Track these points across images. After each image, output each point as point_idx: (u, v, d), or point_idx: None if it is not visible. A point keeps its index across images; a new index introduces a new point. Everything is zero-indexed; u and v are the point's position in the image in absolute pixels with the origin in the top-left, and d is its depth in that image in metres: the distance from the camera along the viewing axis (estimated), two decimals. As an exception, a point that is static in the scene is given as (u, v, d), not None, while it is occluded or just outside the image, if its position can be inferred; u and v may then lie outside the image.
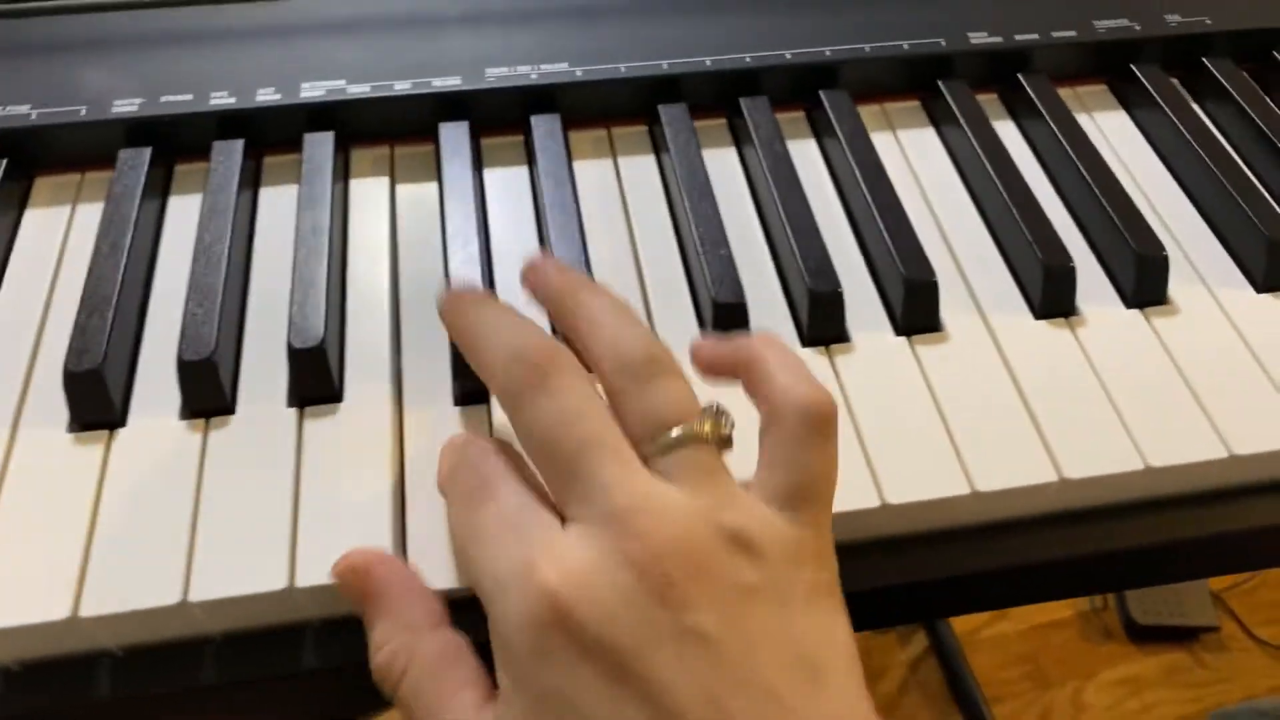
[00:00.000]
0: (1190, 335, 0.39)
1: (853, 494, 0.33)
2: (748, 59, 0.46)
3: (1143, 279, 0.40)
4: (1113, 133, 0.48)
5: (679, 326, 0.39)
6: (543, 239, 0.41)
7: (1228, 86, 0.48)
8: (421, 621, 0.29)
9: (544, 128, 0.44)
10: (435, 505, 0.32)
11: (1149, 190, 0.45)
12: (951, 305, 0.39)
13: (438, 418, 0.35)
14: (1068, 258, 0.40)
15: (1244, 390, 0.37)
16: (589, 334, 0.29)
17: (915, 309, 0.38)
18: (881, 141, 0.46)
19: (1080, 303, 0.40)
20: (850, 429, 0.35)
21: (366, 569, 0.29)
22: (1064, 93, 0.49)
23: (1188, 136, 0.45)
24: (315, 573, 0.30)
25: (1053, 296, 0.39)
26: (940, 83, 0.47)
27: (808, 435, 0.28)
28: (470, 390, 0.35)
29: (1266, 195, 0.44)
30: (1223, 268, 0.42)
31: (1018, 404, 0.36)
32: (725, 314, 0.38)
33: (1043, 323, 0.39)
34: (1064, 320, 0.39)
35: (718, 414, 0.28)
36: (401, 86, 0.43)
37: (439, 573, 0.31)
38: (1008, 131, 0.48)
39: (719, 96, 0.46)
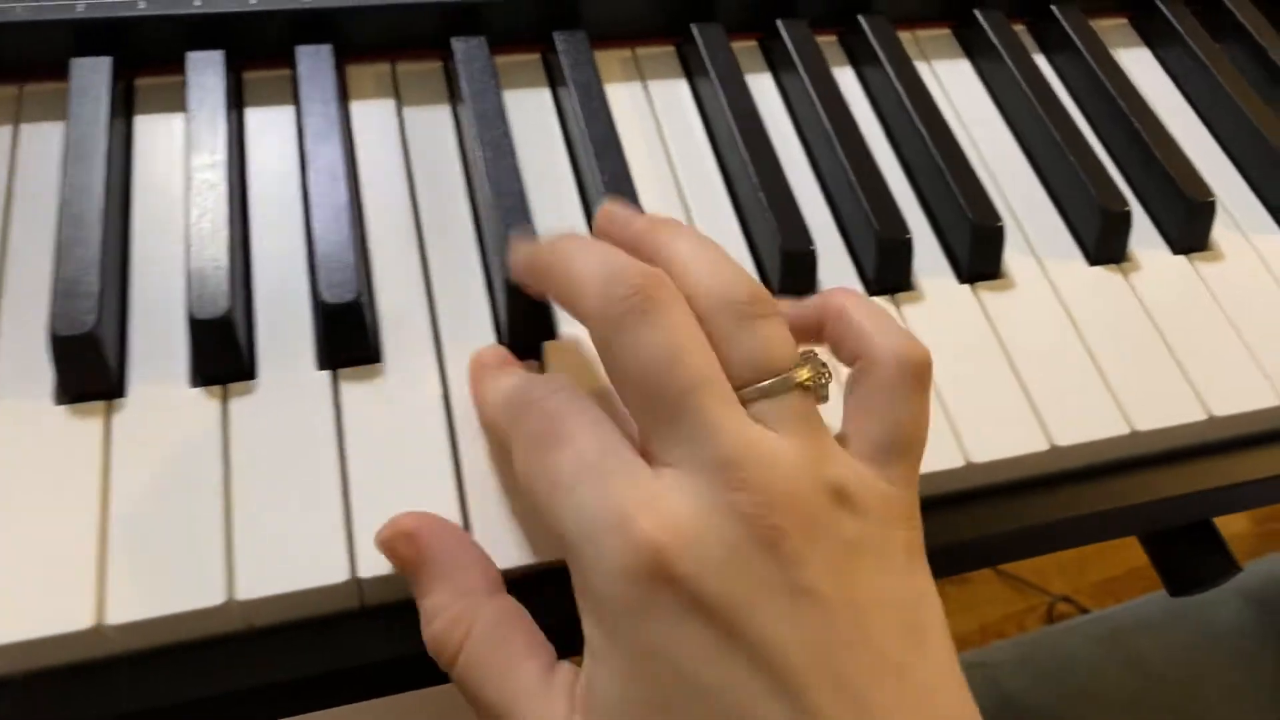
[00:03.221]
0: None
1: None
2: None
3: (788, 270, 0.36)
4: (763, 93, 0.43)
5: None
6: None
7: (877, 48, 0.44)
8: (479, 587, 0.27)
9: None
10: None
11: (789, 164, 0.41)
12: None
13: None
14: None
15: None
16: (683, 273, 0.27)
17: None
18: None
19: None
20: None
21: (415, 533, 0.28)
22: (740, 45, 0.44)
23: (816, 104, 0.41)
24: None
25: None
26: (556, 35, 0.41)
27: (905, 386, 0.27)
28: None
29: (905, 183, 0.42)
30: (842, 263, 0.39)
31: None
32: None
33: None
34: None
35: (818, 361, 0.26)
36: None
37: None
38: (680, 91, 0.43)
39: (277, 44, 0.39)
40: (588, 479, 0.24)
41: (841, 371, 0.29)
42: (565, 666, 0.26)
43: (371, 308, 0.34)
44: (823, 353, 0.28)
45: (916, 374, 0.27)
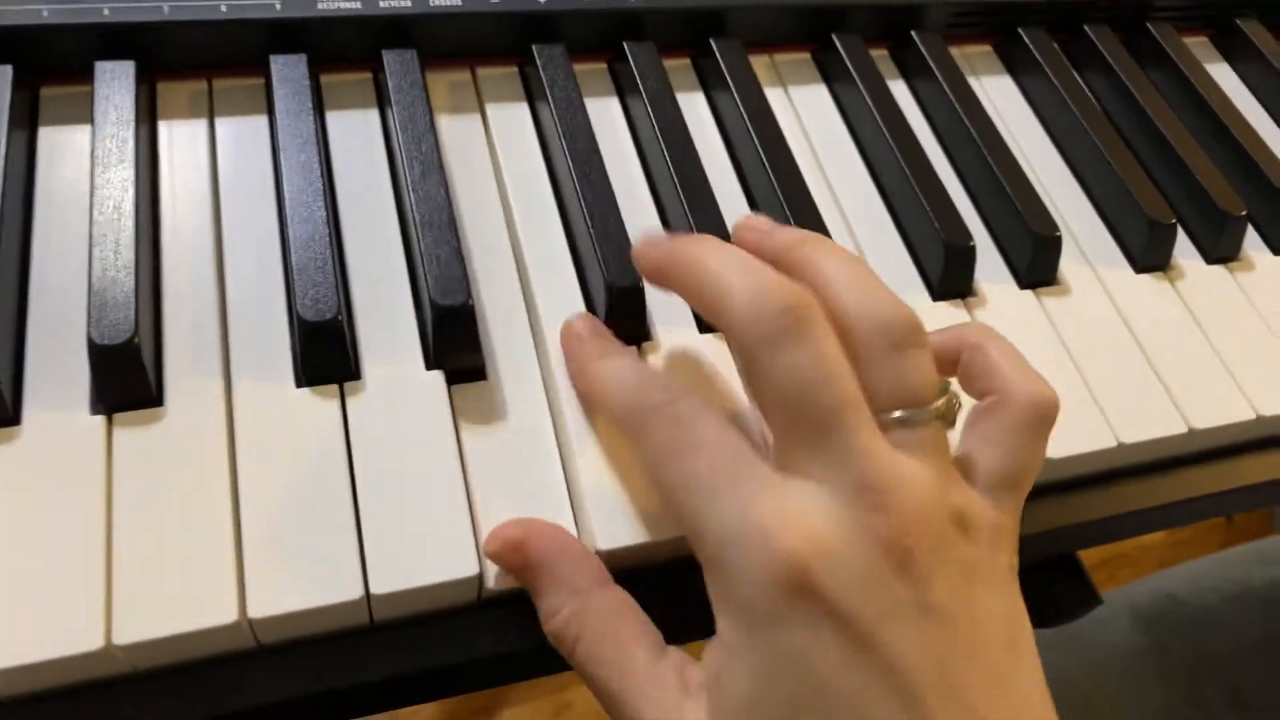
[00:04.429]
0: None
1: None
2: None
3: (613, 305, 0.35)
4: (608, 118, 0.42)
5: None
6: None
7: (726, 72, 0.42)
8: (586, 583, 0.29)
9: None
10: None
11: (629, 194, 0.39)
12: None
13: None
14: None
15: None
16: (834, 294, 0.28)
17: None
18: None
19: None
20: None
21: (521, 542, 0.29)
22: (588, 68, 0.43)
23: (656, 130, 0.40)
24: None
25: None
26: (385, 54, 0.39)
27: (1033, 427, 0.29)
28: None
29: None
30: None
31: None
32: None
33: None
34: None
35: (953, 392, 0.28)
36: None
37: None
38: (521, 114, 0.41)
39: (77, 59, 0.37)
40: (725, 488, 0.26)
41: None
42: (673, 651, 0.28)
43: (156, 347, 0.32)
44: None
45: (1045, 417, 0.29)
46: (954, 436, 0.29)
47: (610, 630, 0.28)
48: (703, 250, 0.29)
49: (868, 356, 0.27)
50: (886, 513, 0.25)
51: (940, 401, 0.27)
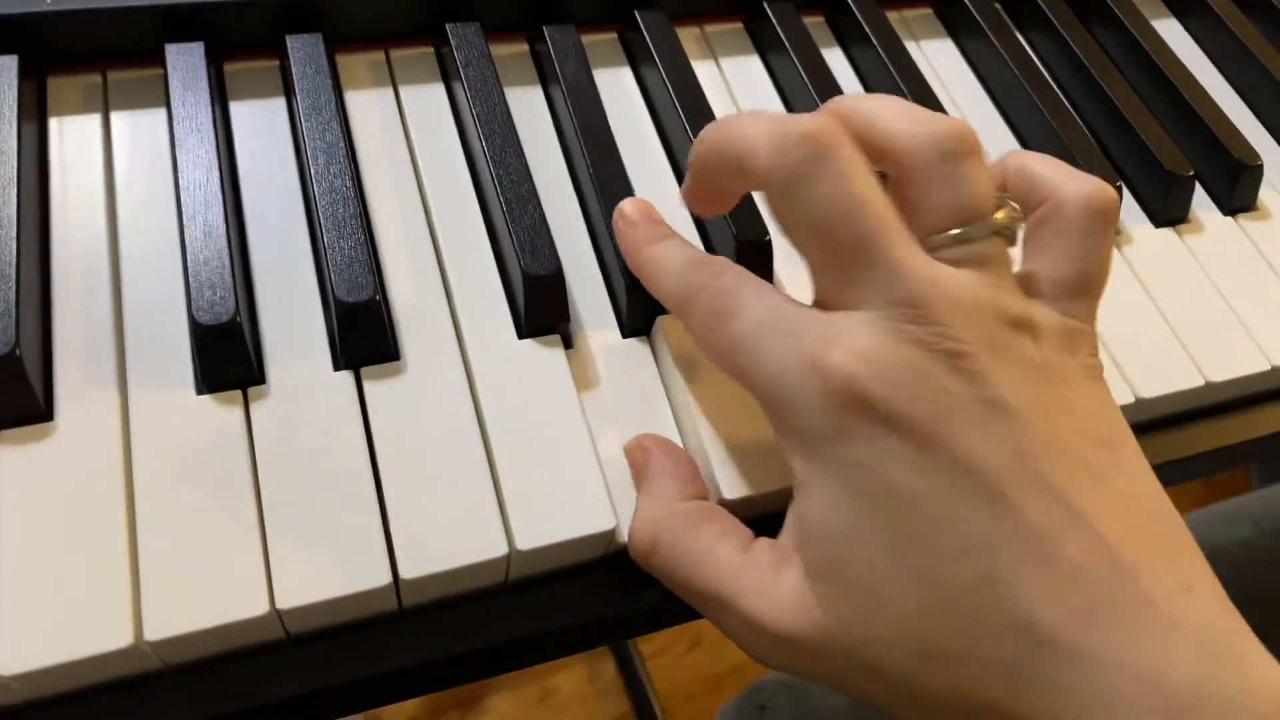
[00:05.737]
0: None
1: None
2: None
3: (528, 297, 0.33)
4: (528, 99, 0.40)
5: None
6: None
7: (651, 47, 0.41)
8: (671, 493, 0.29)
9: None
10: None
11: (548, 179, 0.37)
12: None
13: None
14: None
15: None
16: (879, 128, 0.27)
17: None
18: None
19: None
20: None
21: (646, 448, 0.31)
22: (510, 49, 0.42)
23: (570, 113, 0.39)
24: None
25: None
26: (289, 39, 0.38)
27: (1093, 225, 0.28)
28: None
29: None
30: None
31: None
32: None
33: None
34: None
35: (1012, 204, 0.27)
36: None
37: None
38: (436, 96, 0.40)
39: None
40: (769, 334, 0.26)
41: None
42: (762, 539, 0.28)
43: (45, 358, 0.30)
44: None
45: (1103, 213, 0.28)
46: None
47: (692, 529, 0.28)
48: (736, 121, 0.28)
49: (922, 171, 0.26)
50: (925, 322, 0.25)
51: (1000, 214, 0.26)
